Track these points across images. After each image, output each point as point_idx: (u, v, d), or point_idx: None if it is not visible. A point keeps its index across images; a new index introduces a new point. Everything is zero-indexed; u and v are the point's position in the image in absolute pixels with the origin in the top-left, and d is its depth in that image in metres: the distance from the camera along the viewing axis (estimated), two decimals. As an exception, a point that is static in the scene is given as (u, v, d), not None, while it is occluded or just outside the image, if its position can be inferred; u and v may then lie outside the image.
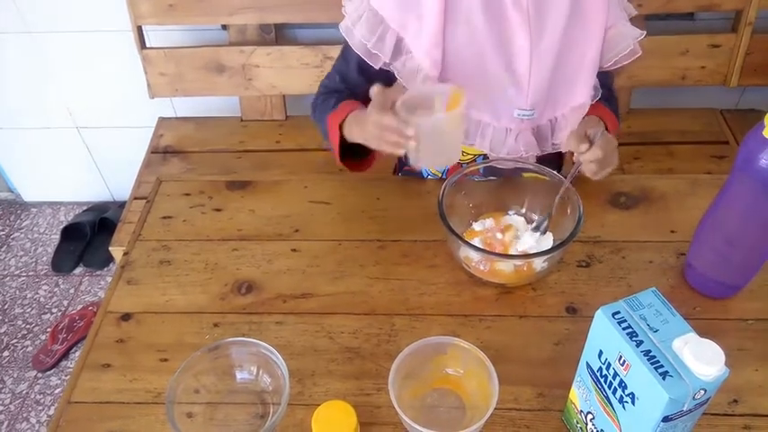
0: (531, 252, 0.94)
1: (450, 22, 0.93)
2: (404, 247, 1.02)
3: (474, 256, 0.92)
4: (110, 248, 1.68)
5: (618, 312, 0.65)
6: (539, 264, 0.91)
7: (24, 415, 1.75)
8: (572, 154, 0.94)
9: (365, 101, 1.08)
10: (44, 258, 2.14)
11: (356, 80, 1.06)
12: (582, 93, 1.00)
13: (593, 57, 0.97)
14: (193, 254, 1.03)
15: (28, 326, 1.95)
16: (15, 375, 1.84)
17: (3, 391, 1.80)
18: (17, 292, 2.04)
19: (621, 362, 0.64)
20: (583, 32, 0.95)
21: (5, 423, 1.73)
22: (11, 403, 1.77)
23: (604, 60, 0.99)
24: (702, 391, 0.60)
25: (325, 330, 0.91)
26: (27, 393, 1.80)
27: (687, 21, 1.75)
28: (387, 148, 0.89)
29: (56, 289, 2.05)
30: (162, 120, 1.96)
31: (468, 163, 1.14)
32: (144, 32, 1.74)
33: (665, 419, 0.62)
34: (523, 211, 1.02)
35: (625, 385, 0.65)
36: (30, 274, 2.10)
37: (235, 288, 0.98)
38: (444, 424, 0.79)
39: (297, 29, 1.83)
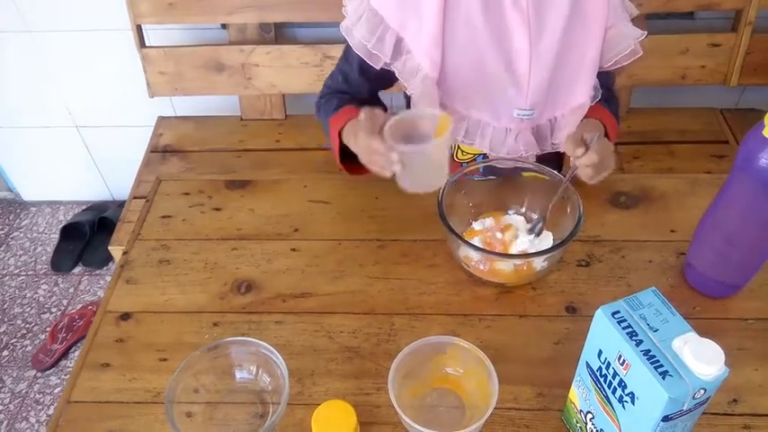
0: (531, 251, 0.94)
1: (450, 22, 0.92)
2: (403, 246, 1.02)
3: (474, 255, 0.92)
4: (109, 248, 1.68)
5: (618, 312, 0.65)
6: (538, 263, 0.91)
7: (24, 414, 1.75)
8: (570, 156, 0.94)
9: (367, 102, 1.08)
10: (43, 258, 2.14)
11: (358, 80, 1.06)
12: (582, 93, 1.00)
13: (593, 57, 0.97)
14: (193, 253, 1.03)
15: (27, 325, 1.95)
16: (15, 375, 1.83)
17: (2, 390, 1.80)
18: (16, 292, 2.04)
19: (621, 361, 0.64)
20: (583, 32, 0.95)
21: (5, 422, 1.73)
22: (10, 403, 1.77)
23: (604, 60, 0.98)
24: (702, 391, 0.60)
25: (325, 330, 0.91)
26: (26, 393, 1.80)
27: (687, 20, 1.75)
28: (375, 169, 0.90)
29: (55, 288, 2.05)
30: (161, 119, 1.96)
31: (467, 162, 1.14)
32: (143, 31, 1.74)
33: (665, 419, 0.62)
34: (523, 210, 1.02)
35: (625, 385, 0.65)
36: (29, 273, 2.10)
37: (234, 287, 0.98)
38: (444, 423, 0.79)
39: (296, 28, 1.83)
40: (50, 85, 1.98)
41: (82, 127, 2.08)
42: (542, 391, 0.83)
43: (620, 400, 0.66)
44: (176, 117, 1.98)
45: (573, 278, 0.96)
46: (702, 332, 0.63)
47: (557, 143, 1.05)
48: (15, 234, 2.23)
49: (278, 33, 1.78)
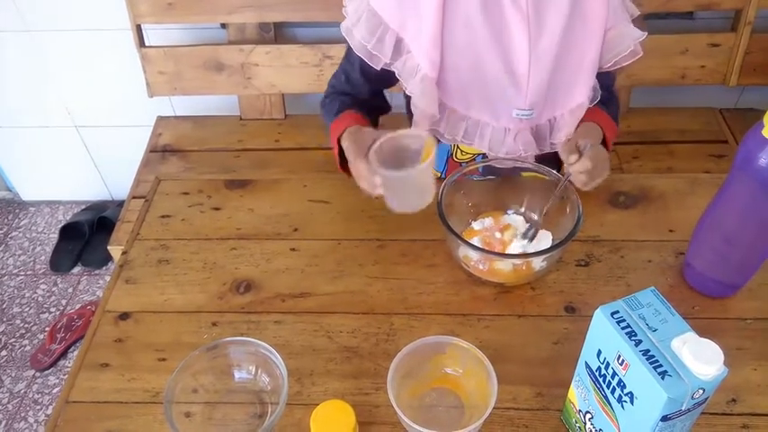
0: (530, 251, 0.94)
1: (449, 22, 0.92)
2: (403, 246, 1.02)
3: (473, 255, 0.92)
4: (108, 247, 1.68)
5: (617, 312, 0.65)
6: (537, 263, 0.91)
7: (22, 414, 1.75)
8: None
9: (369, 103, 1.09)
10: (42, 257, 2.14)
11: (359, 81, 1.06)
12: (581, 93, 1.00)
13: (593, 57, 0.97)
14: (192, 253, 1.03)
15: (26, 325, 1.95)
16: (13, 375, 1.83)
17: (1, 390, 1.80)
18: (15, 292, 2.04)
19: (620, 361, 0.64)
20: (582, 33, 0.95)
21: (3, 422, 1.73)
22: (9, 402, 1.77)
23: (604, 61, 0.98)
24: (701, 391, 0.60)
25: (324, 330, 0.91)
26: (25, 393, 1.79)
27: (686, 20, 1.75)
28: (363, 188, 0.92)
29: (54, 288, 2.05)
30: (161, 118, 1.96)
31: (467, 162, 1.14)
32: (143, 31, 1.74)
33: (664, 419, 0.62)
34: (522, 210, 1.02)
35: (624, 385, 0.65)
36: (28, 273, 2.10)
37: (233, 287, 0.98)
38: (443, 423, 0.79)
39: (296, 28, 1.83)
40: (49, 85, 1.97)
41: (81, 126, 2.08)
42: (541, 391, 0.83)
43: (619, 400, 0.66)
44: (176, 117, 1.98)
45: (572, 278, 0.96)
46: (701, 332, 0.63)
47: (556, 143, 1.05)
48: (14, 234, 2.23)
49: (277, 33, 1.78)
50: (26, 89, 1.99)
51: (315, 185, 1.13)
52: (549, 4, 0.91)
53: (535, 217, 1.00)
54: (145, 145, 1.88)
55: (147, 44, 1.76)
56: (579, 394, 0.74)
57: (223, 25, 1.78)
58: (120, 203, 1.80)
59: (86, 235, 2.12)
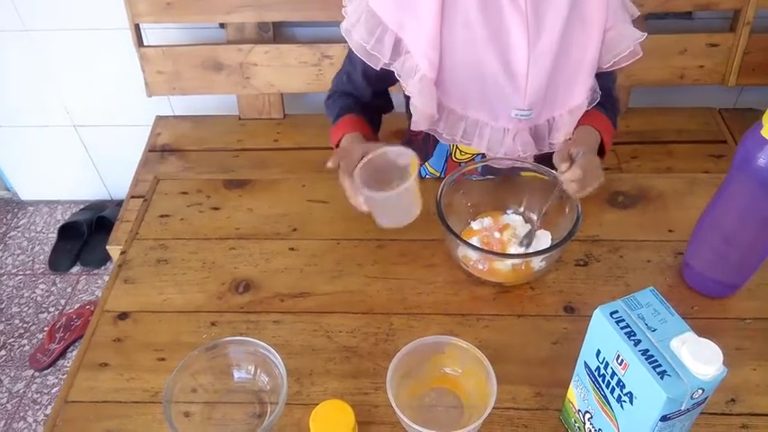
0: (530, 251, 0.94)
1: (448, 22, 0.92)
2: (402, 246, 1.02)
3: (472, 255, 0.92)
4: (107, 247, 1.68)
5: (616, 312, 0.65)
6: (537, 263, 0.91)
7: (21, 414, 1.75)
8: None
9: (370, 103, 1.09)
10: (41, 257, 2.14)
11: (361, 81, 1.06)
12: (580, 94, 1.00)
13: (592, 58, 0.97)
14: (191, 253, 1.03)
15: (25, 325, 1.95)
16: (12, 374, 1.83)
17: (0, 390, 1.80)
18: (14, 291, 2.04)
19: (619, 361, 0.64)
20: (581, 34, 0.95)
21: (2, 422, 1.72)
22: (8, 402, 1.77)
23: (603, 61, 0.98)
24: (700, 391, 0.60)
25: (323, 329, 0.91)
26: (24, 392, 1.79)
27: (685, 20, 1.75)
28: (351, 204, 0.93)
29: (53, 288, 2.05)
30: (159, 118, 1.96)
31: (466, 162, 1.14)
32: (141, 30, 1.74)
33: (663, 419, 0.62)
34: (522, 210, 1.02)
35: (623, 385, 0.65)
36: (27, 272, 2.10)
37: (232, 287, 0.98)
38: (442, 423, 0.79)
39: (295, 27, 1.83)
40: (48, 85, 1.97)
41: (80, 126, 2.08)
42: (540, 391, 0.83)
43: (619, 399, 0.66)
44: (174, 116, 1.98)
45: (571, 278, 0.96)
46: (700, 332, 0.63)
47: (554, 143, 1.05)
48: (13, 233, 2.23)
49: (276, 33, 1.78)
50: (24, 89, 1.99)
51: (314, 185, 1.13)
52: (548, 4, 0.91)
53: (534, 217, 1.00)
54: (143, 144, 1.88)
55: (145, 44, 1.75)
56: (578, 394, 0.74)
57: (222, 25, 1.78)
58: (119, 203, 1.80)
59: (85, 234, 2.12)
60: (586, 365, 0.70)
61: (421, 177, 1.20)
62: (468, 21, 0.92)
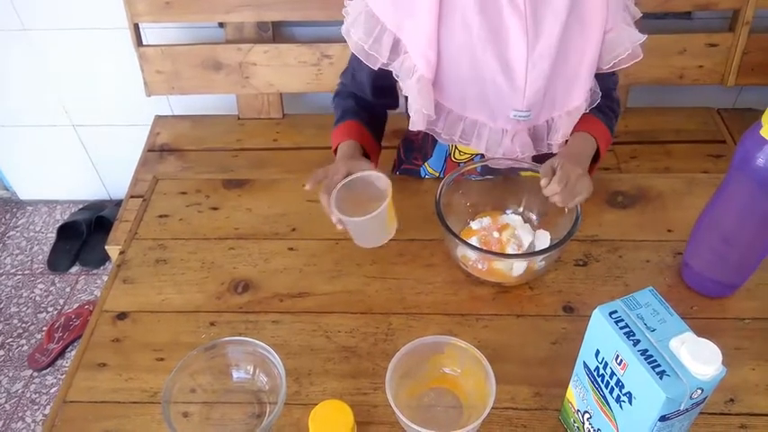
0: (529, 251, 0.94)
1: (446, 22, 0.92)
2: (401, 246, 1.02)
3: (471, 255, 0.92)
4: (106, 247, 1.68)
5: (615, 312, 0.65)
6: (536, 263, 0.91)
7: (20, 414, 1.75)
8: None
9: (373, 103, 1.09)
10: (40, 257, 2.14)
11: (364, 81, 1.06)
12: (579, 95, 1.00)
13: (591, 59, 0.97)
14: (190, 252, 1.03)
15: (24, 325, 1.95)
16: (11, 374, 1.83)
17: (-2, 390, 1.80)
18: (13, 291, 2.04)
19: (618, 361, 0.64)
20: (580, 35, 0.94)
21: (1, 422, 1.72)
22: (6, 402, 1.77)
23: (603, 63, 0.98)
24: (699, 391, 0.60)
25: (322, 329, 0.91)
26: (23, 392, 1.79)
27: (684, 20, 1.75)
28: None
29: (52, 288, 2.05)
30: (158, 118, 1.95)
31: (465, 162, 1.14)
32: (140, 30, 1.74)
33: (662, 419, 0.62)
34: (521, 209, 1.02)
35: (622, 384, 0.65)
36: (25, 272, 2.10)
37: (231, 287, 0.98)
38: (441, 423, 0.79)
39: (294, 27, 1.82)
40: (47, 84, 1.97)
41: (79, 126, 2.08)
42: (540, 391, 0.83)
43: (618, 399, 0.66)
44: (173, 116, 1.98)
45: (570, 278, 0.96)
46: (700, 332, 0.63)
47: (553, 144, 1.05)
48: (12, 233, 2.22)
49: (276, 32, 1.78)
50: (23, 88, 1.99)
51: (313, 185, 1.13)
52: (547, 5, 0.91)
53: (533, 216, 1.00)
54: (143, 144, 1.88)
55: (144, 43, 1.75)
56: (577, 394, 0.74)
57: (221, 24, 1.78)
58: (118, 203, 1.79)
59: (84, 234, 2.12)
60: (585, 365, 0.70)
61: (420, 177, 1.20)
62: (466, 21, 0.92)
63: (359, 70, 1.06)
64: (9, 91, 2.00)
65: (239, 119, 1.91)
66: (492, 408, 0.73)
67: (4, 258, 2.14)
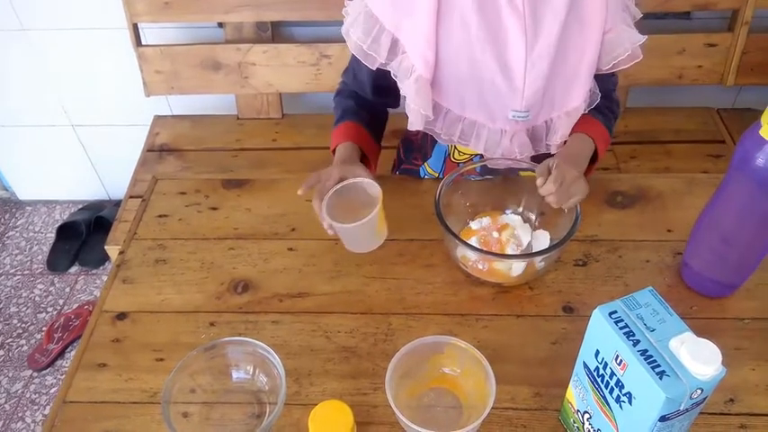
0: (529, 251, 0.94)
1: (444, 22, 0.92)
2: (400, 246, 1.02)
3: (471, 255, 0.92)
4: (105, 247, 1.68)
5: (615, 312, 0.65)
6: (536, 263, 0.91)
7: (20, 414, 1.74)
8: None
9: (374, 103, 1.09)
10: (39, 257, 2.13)
11: (365, 80, 1.06)
12: (578, 96, 0.99)
13: (590, 60, 0.96)
14: (189, 253, 1.03)
15: (23, 325, 1.95)
16: (11, 375, 1.83)
17: (-2, 390, 1.80)
18: (12, 291, 2.04)
19: (618, 361, 0.64)
20: (579, 36, 0.94)
21: (1, 423, 1.72)
22: (6, 403, 1.77)
23: (603, 63, 0.98)
24: (699, 391, 0.60)
25: (322, 330, 0.91)
26: (22, 393, 1.79)
27: (684, 20, 1.75)
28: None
29: (51, 288, 2.05)
30: (158, 118, 1.95)
31: (464, 162, 1.14)
32: (140, 30, 1.74)
33: (662, 419, 0.62)
34: (520, 210, 1.02)
35: (622, 385, 0.65)
36: (25, 272, 2.09)
37: (231, 287, 0.98)
38: (441, 423, 0.79)
39: (293, 27, 1.82)
40: (46, 84, 1.97)
41: (78, 126, 2.08)
42: (539, 391, 0.83)
43: (618, 400, 0.66)
44: (173, 116, 1.97)
45: (570, 278, 0.96)
46: (699, 332, 0.63)
47: (551, 145, 1.05)
48: (11, 233, 2.22)
49: (275, 32, 1.78)
50: (23, 88, 1.99)
51: (312, 185, 1.13)
52: (545, 5, 0.91)
53: (533, 216, 1.00)
54: (142, 144, 1.88)
55: (143, 43, 1.75)
56: (577, 394, 0.74)
57: (220, 24, 1.78)
58: (118, 203, 1.79)
59: (83, 234, 2.11)
60: (585, 365, 0.70)
61: (420, 177, 1.20)
62: (464, 21, 0.92)
63: (359, 70, 1.06)
64: (8, 91, 1.99)
65: (238, 119, 1.91)
66: (492, 408, 0.73)
67: (4, 258, 2.14)
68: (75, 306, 1.97)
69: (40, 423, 1.72)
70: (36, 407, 1.76)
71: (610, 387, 0.67)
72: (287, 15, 1.69)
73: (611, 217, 1.05)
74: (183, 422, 0.79)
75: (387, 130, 1.16)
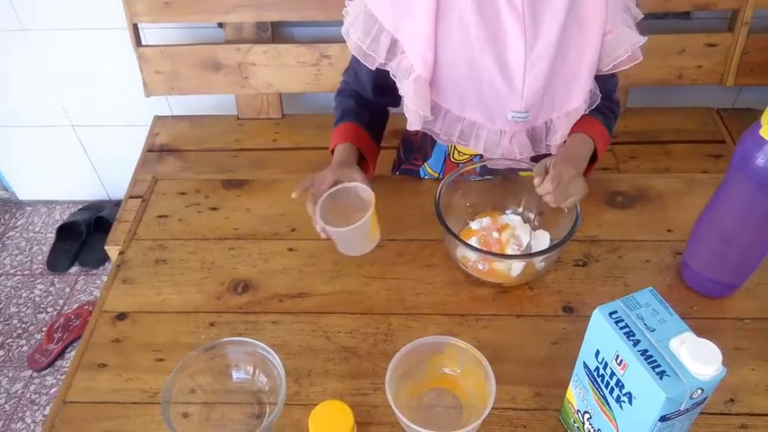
0: (529, 251, 0.94)
1: (443, 22, 0.92)
2: (400, 246, 1.02)
3: (471, 255, 0.92)
4: (105, 247, 1.68)
5: (615, 312, 0.65)
6: (536, 263, 0.91)
7: (20, 415, 1.74)
8: None
9: (374, 102, 1.09)
10: (39, 257, 2.13)
11: (365, 80, 1.06)
12: (578, 96, 0.99)
13: (590, 61, 0.96)
14: (189, 253, 1.03)
15: (23, 325, 1.95)
16: (11, 375, 1.83)
17: (-2, 390, 1.80)
18: (12, 291, 2.04)
19: (618, 361, 0.64)
20: (579, 37, 0.94)
21: (1, 423, 1.72)
22: (6, 403, 1.77)
23: (603, 64, 0.98)
24: (699, 391, 0.60)
25: (322, 330, 0.91)
26: (22, 393, 1.79)
27: (684, 20, 1.75)
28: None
29: (51, 288, 2.05)
30: (158, 118, 1.95)
31: (464, 162, 1.14)
32: (140, 30, 1.74)
33: (663, 419, 0.62)
34: (520, 210, 1.02)
35: (622, 385, 0.65)
36: (25, 273, 2.09)
37: (231, 287, 0.98)
38: (441, 424, 0.79)
39: (293, 27, 1.82)
40: (46, 84, 1.97)
41: (78, 126, 2.08)
42: (539, 391, 0.83)
43: (618, 400, 0.66)
44: (173, 116, 1.97)
45: (570, 278, 0.96)
46: (699, 332, 0.63)
47: (551, 145, 1.04)
48: (11, 233, 2.22)
49: (275, 32, 1.78)
50: (23, 88, 1.99)
51: (312, 185, 1.13)
52: (545, 6, 0.91)
53: (533, 217, 1.00)
54: (142, 144, 1.88)
55: (143, 43, 1.75)
56: (577, 394, 0.74)
57: (220, 24, 1.78)
58: (117, 203, 1.79)
59: (83, 235, 2.11)
60: (585, 366, 0.70)
61: (420, 177, 1.20)
62: (463, 21, 0.91)
63: (360, 69, 1.06)
64: (8, 91, 1.99)
65: (238, 119, 1.91)
66: (492, 408, 0.73)
67: (4, 259, 2.14)
68: (75, 306, 1.97)
69: (40, 423, 1.72)
70: (36, 407, 1.76)
71: (610, 387, 0.67)
72: (287, 15, 1.69)
73: (611, 217, 1.05)
74: (183, 422, 0.79)
75: (387, 130, 1.16)
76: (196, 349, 0.82)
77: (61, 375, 1.82)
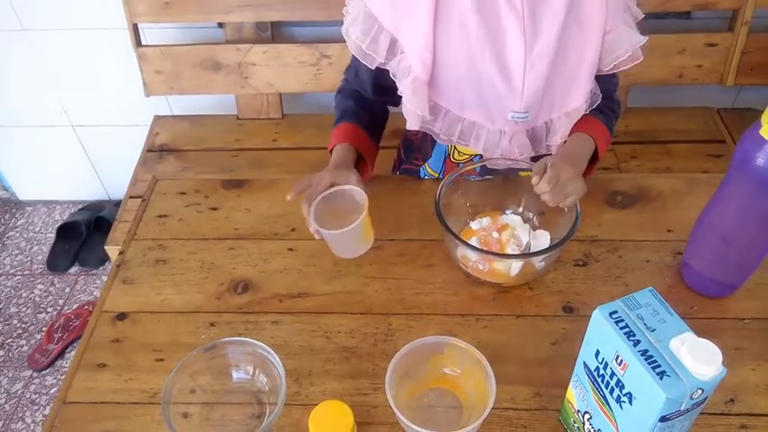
0: (529, 251, 0.94)
1: (442, 23, 0.92)
2: (400, 246, 1.02)
3: (471, 255, 0.92)
4: (105, 247, 1.68)
5: (615, 312, 0.65)
6: (536, 263, 0.91)
7: (20, 415, 1.74)
8: None
9: (374, 101, 1.09)
10: (39, 257, 2.13)
11: (366, 80, 1.06)
12: (578, 97, 0.99)
13: (591, 61, 0.96)
14: (189, 253, 1.03)
15: (23, 325, 1.95)
16: (11, 375, 1.83)
17: (-2, 390, 1.80)
18: (12, 291, 2.04)
19: (618, 361, 0.64)
20: (579, 37, 0.94)
21: (1, 423, 1.72)
22: (6, 403, 1.77)
23: (603, 64, 0.98)
24: (700, 391, 0.60)
25: (322, 330, 0.91)
26: (22, 393, 1.79)
27: (684, 20, 1.75)
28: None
29: (51, 288, 2.05)
30: (157, 118, 1.95)
31: (464, 162, 1.14)
32: (139, 30, 1.74)
33: (663, 419, 0.62)
34: (520, 210, 1.02)
35: (622, 385, 0.65)
36: (25, 273, 2.09)
37: (231, 287, 0.98)
38: (441, 424, 0.79)
39: (293, 27, 1.82)
40: (46, 84, 1.97)
41: (78, 126, 2.08)
42: (540, 391, 0.83)
43: (618, 400, 0.66)
44: (173, 116, 1.97)
45: (570, 278, 0.96)
46: (700, 332, 0.63)
47: (551, 145, 1.04)
48: (11, 234, 2.22)
49: (275, 32, 1.78)
50: (23, 88, 1.99)
51: (312, 185, 1.13)
52: (544, 6, 0.90)
53: (533, 216, 1.00)
54: (142, 144, 1.88)
55: (143, 43, 1.75)
56: (578, 394, 0.74)
57: (220, 24, 1.78)
58: (117, 203, 1.79)
59: (83, 235, 2.11)
60: (585, 366, 0.70)
61: (420, 177, 1.20)
62: (463, 22, 0.91)
63: (360, 68, 1.06)
64: (8, 91, 1.99)
65: (238, 119, 1.91)
66: (492, 408, 0.73)
67: (4, 259, 2.14)
68: (75, 306, 1.97)
69: (40, 423, 1.72)
70: (36, 407, 1.76)
71: (610, 387, 0.67)
72: (287, 15, 1.69)
73: (612, 217, 1.05)
74: (183, 422, 0.79)
75: (387, 130, 1.16)
76: (196, 349, 0.82)
77: (61, 375, 1.82)
